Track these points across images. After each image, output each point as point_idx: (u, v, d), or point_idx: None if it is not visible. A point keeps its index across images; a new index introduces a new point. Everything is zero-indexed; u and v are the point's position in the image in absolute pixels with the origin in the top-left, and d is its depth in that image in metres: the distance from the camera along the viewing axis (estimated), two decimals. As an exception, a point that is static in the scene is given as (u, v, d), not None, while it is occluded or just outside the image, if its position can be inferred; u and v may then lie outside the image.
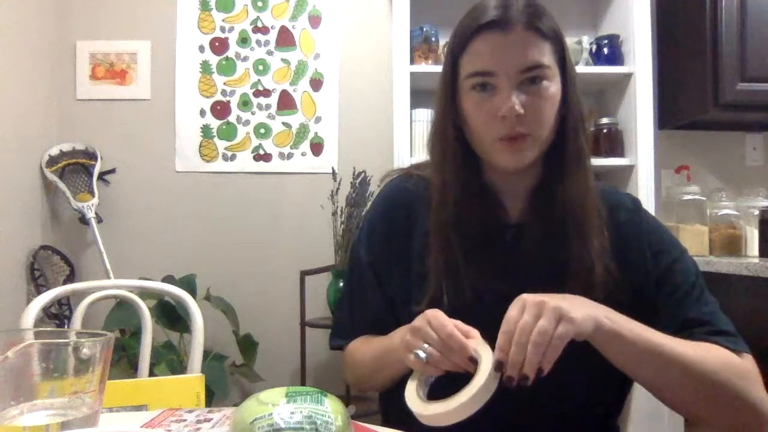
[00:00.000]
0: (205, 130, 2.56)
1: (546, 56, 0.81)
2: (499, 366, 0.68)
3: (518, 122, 0.80)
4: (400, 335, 0.84)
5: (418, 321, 0.76)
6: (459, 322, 0.75)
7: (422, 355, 0.73)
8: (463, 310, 0.82)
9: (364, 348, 0.95)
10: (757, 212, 2.19)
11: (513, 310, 0.71)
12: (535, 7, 0.82)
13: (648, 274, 0.87)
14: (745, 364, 0.80)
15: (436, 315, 0.75)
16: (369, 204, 1.04)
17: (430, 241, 0.89)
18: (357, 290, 0.99)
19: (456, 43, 0.85)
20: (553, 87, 0.82)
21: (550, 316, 0.68)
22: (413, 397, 0.74)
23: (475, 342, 0.74)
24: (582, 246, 0.83)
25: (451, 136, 0.87)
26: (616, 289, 0.83)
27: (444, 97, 0.88)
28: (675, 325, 0.83)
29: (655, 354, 0.74)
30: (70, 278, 2.38)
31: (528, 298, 0.71)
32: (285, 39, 2.58)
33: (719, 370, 0.76)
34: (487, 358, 0.70)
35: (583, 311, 0.70)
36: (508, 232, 0.90)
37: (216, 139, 2.56)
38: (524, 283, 0.81)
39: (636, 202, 0.94)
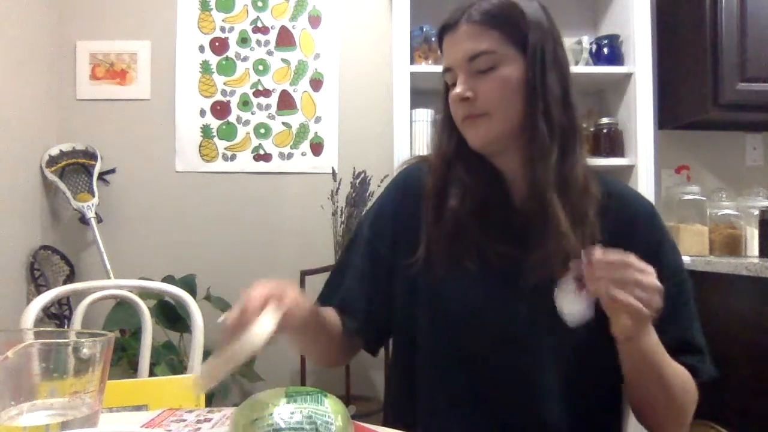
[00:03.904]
0: (205, 130, 2.56)
1: (493, 43, 0.86)
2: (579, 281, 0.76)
3: (472, 105, 0.87)
4: None
5: None
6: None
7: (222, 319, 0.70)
8: (455, 280, 0.88)
9: None
10: (757, 212, 2.19)
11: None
12: (493, 3, 0.87)
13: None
14: (696, 392, 0.89)
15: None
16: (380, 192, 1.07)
17: (425, 205, 0.93)
18: (345, 262, 1.01)
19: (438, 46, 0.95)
20: (505, 70, 0.86)
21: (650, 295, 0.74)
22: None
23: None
24: (543, 214, 0.84)
25: (448, 118, 0.94)
26: None
27: (444, 94, 0.95)
28: (669, 341, 0.86)
29: (657, 378, 0.84)
30: (70, 278, 2.38)
31: None
32: (285, 39, 2.58)
33: (688, 401, 0.88)
34: (264, 321, 0.67)
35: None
36: (511, 214, 0.91)
37: (216, 139, 2.56)
38: (519, 261, 0.85)
39: (654, 209, 0.95)
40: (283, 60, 2.58)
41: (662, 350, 0.83)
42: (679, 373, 0.85)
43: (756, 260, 1.90)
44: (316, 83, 2.58)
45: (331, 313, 0.95)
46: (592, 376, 0.87)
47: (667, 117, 2.47)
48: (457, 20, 0.89)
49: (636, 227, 0.91)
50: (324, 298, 1.00)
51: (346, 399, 2.25)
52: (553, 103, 0.85)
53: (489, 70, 0.86)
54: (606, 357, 0.83)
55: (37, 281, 2.30)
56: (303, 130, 2.57)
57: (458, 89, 0.87)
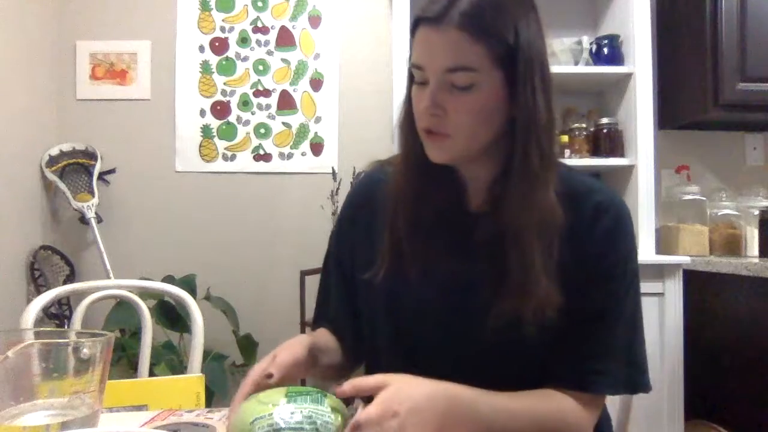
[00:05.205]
0: (205, 130, 2.56)
1: (476, 59, 0.76)
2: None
3: (438, 121, 0.80)
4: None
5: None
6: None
7: None
8: (404, 285, 0.86)
9: None
10: (757, 212, 2.19)
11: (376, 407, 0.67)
12: (482, 6, 0.77)
13: (589, 291, 0.83)
14: (581, 421, 0.81)
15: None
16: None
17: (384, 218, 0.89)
18: (324, 280, 1.02)
19: (410, 30, 0.84)
20: (483, 93, 0.78)
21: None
22: None
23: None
24: (520, 260, 0.79)
25: (409, 118, 0.87)
26: (554, 312, 0.79)
27: (407, 80, 0.87)
28: (580, 347, 0.82)
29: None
30: (70, 278, 2.38)
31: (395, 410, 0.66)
32: (285, 39, 2.58)
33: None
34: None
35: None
36: (466, 218, 0.88)
37: (216, 139, 2.56)
38: (470, 271, 0.84)
39: (619, 214, 0.86)
40: (283, 60, 2.58)
41: (495, 409, 0.74)
42: (534, 411, 0.77)
43: (756, 260, 1.90)
44: (316, 83, 2.58)
45: (328, 337, 0.97)
46: (540, 373, 0.83)
47: (667, 117, 2.47)
48: (441, 16, 0.77)
49: (594, 230, 0.83)
50: (317, 320, 1.02)
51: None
52: (543, 130, 0.79)
53: (465, 89, 0.77)
54: (550, 357, 0.81)
55: (37, 281, 2.30)
56: (303, 130, 2.57)
57: (427, 102, 0.79)
